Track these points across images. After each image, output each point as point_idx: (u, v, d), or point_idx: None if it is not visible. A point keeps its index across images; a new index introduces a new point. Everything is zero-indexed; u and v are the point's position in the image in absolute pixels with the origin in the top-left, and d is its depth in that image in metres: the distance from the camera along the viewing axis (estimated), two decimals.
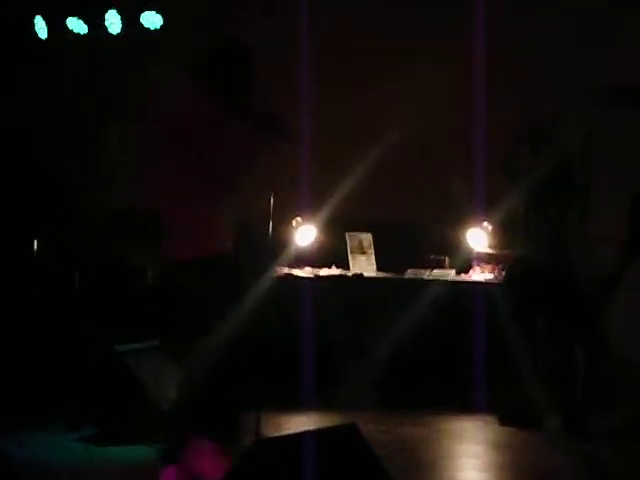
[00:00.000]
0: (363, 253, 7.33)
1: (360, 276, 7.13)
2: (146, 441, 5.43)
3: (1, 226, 6.42)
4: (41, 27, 7.08)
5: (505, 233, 6.80)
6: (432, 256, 7.24)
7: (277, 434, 5.45)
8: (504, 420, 6.27)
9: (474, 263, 7.16)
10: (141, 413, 5.60)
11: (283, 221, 6.95)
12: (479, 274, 7.10)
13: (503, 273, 6.78)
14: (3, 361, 5.10)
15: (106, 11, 7.16)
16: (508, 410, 6.28)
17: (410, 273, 7.16)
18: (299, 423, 6.07)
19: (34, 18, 7.06)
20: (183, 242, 4.72)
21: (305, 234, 7.33)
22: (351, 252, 7.32)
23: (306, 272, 7.17)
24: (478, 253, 7.19)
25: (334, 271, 7.25)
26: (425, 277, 7.06)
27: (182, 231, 4.74)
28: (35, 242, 6.28)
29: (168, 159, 4.71)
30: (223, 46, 4.85)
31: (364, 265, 7.30)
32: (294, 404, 6.33)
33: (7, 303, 4.49)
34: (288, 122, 4.79)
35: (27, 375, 4.95)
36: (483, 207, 6.89)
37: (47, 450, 4.57)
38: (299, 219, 7.32)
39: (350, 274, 7.18)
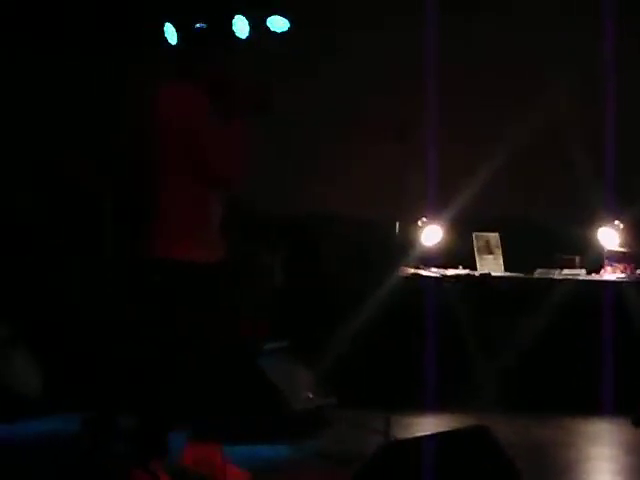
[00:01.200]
0: (490, 253, 7.25)
1: (488, 276, 7.06)
2: (276, 441, 5.50)
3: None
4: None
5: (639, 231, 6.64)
6: (562, 255, 7.12)
7: (406, 436, 5.46)
8: (638, 422, 6.13)
9: (605, 262, 7.01)
10: (272, 413, 5.66)
11: (409, 221, 6.93)
12: (611, 273, 6.94)
13: (637, 272, 6.63)
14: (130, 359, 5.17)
15: (233, 16, 7.23)
16: None
17: (539, 273, 7.05)
18: (428, 424, 6.05)
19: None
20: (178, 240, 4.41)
21: (431, 234, 7.29)
22: (478, 252, 7.25)
23: (432, 272, 7.13)
24: (610, 252, 7.03)
25: (461, 271, 7.20)
26: (555, 276, 6.95)
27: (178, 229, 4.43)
28: None
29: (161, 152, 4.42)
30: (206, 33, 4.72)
31: (491, 265, 7.21)
32: (422, 405, 6.32)
33: (144, 303, 4.56)
34: (269, 94, 4.52)
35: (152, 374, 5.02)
36: (614, 205, 6.74)
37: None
38: (425, 219, 7.29)
39: (477, 274, 7.12)
